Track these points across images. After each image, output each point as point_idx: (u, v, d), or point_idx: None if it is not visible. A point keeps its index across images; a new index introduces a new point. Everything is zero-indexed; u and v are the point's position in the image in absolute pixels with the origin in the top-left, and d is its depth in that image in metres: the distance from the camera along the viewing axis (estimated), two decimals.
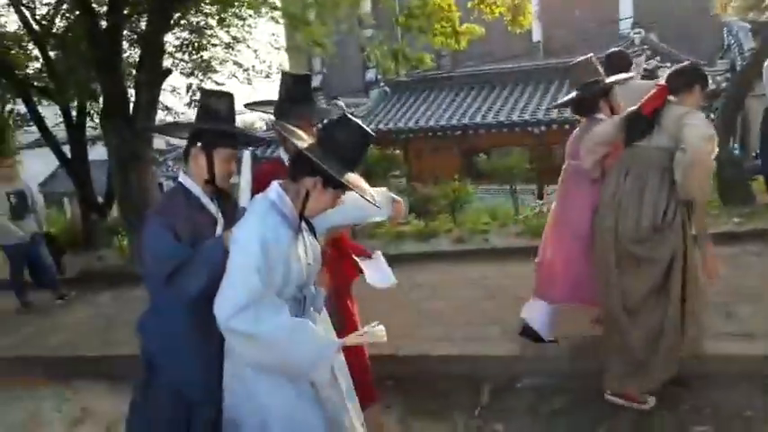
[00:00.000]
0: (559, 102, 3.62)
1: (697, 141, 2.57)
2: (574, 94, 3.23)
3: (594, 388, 2.92)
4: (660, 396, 2.81)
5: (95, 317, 5.46)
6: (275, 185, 1.82)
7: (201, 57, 9.60)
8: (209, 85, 10.97)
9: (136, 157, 6.84)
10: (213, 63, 11.21)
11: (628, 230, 2.77)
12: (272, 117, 2.65)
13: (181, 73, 9.35)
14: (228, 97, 2.21)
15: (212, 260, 1.91)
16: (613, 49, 3.48)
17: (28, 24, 8.14)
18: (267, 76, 12.32)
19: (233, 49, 11.49)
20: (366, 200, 1.82)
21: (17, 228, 5.71)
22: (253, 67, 12.23)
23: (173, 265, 1.98)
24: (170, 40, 9.45)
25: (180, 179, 2.18)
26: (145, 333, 2.21)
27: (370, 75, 20.64)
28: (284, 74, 2.78)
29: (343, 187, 1.78)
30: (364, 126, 1.84)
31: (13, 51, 8.57)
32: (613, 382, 2.84)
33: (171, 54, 8.76)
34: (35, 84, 8.85)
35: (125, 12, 6.99)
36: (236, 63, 11.72)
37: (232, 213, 2.10)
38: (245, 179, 2.05)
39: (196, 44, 9.15)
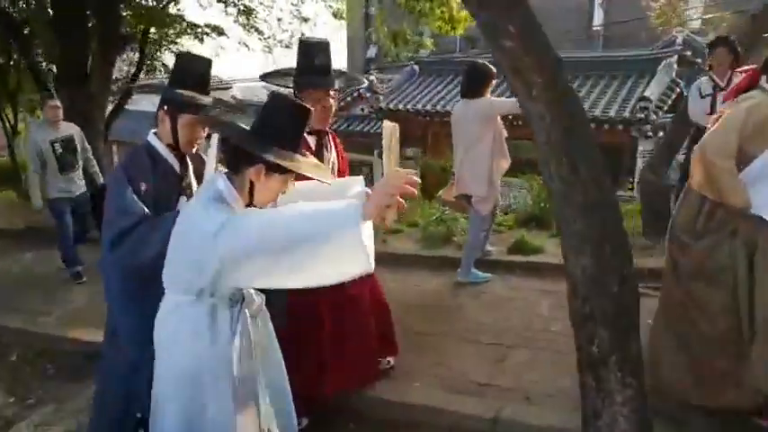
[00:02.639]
0: None
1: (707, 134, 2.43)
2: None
3: None
4: None
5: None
6: (222, 174, 1.74)
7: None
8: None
9: (88, 122, 7.13)
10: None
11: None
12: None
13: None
14: (203, 63, 2.21)
15: (165, 233, 1.85)
16: None
17: None
18: (287, 47, 12.55)
19: (250, 16, 11.73)
20: (314, 179, 1.76)
21: (63, 181, 5.09)
22: (273, 35, 12.48)
23: (129, 221, 1.99)
24: None
25: (149, 138, 2.19)
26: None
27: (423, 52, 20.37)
28: (301, 41, 2.72)
29: (289, 171, 1.71)
30: (297, 101, 1.80)
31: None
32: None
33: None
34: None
35: None
36: (257, 30, 12.02)
37: (201, 172, 2.16)
38: (210, 165, 2.03)
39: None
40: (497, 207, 4.89)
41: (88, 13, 7.14)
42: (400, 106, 14.80)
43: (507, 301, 4.18)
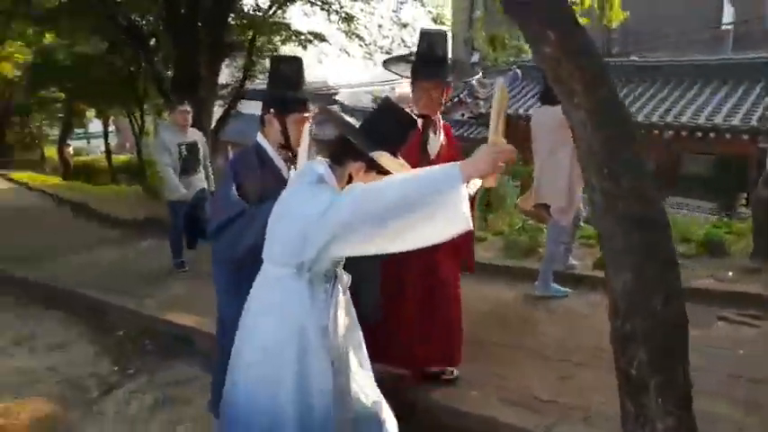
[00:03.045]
0: None
1: None
2: None
3: None
4: None
5: (117, 260, 6.46)
6: (324, 162, 1.90)
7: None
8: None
9: (198, 125, 7.77)
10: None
11: None
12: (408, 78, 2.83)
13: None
14: (297, 62, 2.32)
15: (264, 222, 1.96)
16: None
17: None
18: (388, 53, 12.85)
19: (352, 23, 12.18)
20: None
21: (183, 184, 5.35)
22: (374, 41, 12.85)
23: (229, 214, 2.09)
24: None
25: (257, 139, 2.30)
26: None
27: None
28: (422, 31, 2.86)
29: (387, 172, 1.84)
30: (407, 111, 1.97)
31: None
32: None
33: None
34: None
35: None
36: (358, 37, 12.47)
37: None
38: (303, 149, 2.16)
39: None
40: (580, 218, 4.71)
41: (199, 24, 7.74)
42: None
43: (583, 318, 4.02)
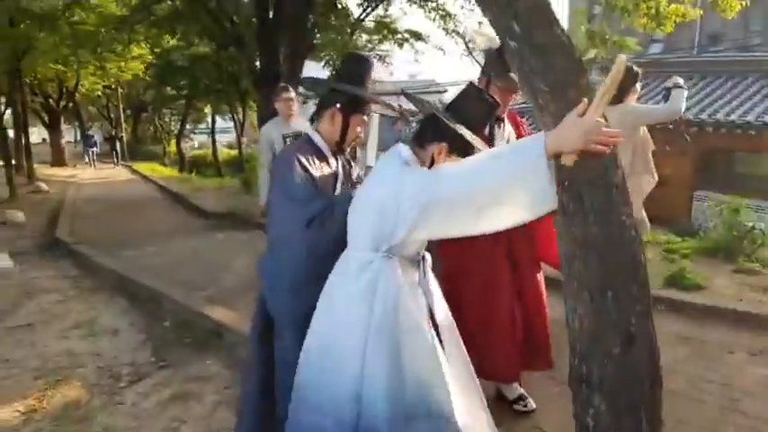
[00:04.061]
0: None
1: None
2: None
3: None
4: None
5: (190, 251, 6.78)
6: (404, 146, 1.89)
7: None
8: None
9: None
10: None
11: None
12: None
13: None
14: (369, 63, 2.26)
15: (344, 216, 1.94)
16: None
17: None
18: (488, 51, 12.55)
19: (448, 19, 12.02)
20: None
21: None
22: (473, 39, 12.60)
23: (311, 213, 2.01)
24: None
25: (309, 133, 2.24)
26: (263, 274, 2.18)
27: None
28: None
29: (466, 154, 1.81)
30: (488, 97, 1.95)
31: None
32: None
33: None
34: None
35: None
36: (457, 34, 12.32)
37: (349, 172, 2.26)
38: (372, 140, 2.30)
39: None
40: (641, 232, 4.18)
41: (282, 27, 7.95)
42: None
43: None
